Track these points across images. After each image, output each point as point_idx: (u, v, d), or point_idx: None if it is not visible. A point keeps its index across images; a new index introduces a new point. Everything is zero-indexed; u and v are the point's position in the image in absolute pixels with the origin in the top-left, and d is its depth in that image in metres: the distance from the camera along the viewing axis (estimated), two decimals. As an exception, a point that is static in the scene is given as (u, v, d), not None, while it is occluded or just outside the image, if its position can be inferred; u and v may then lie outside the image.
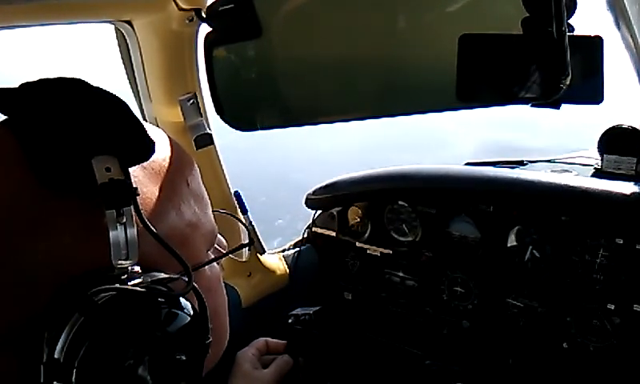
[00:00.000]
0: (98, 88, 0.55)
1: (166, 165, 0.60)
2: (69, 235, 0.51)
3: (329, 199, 1.82)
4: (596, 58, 0.97)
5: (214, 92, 1.25)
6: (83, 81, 0.55)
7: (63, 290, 0.49)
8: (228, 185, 1.57)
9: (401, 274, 1.70)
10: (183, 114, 1.39)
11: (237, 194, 1.61)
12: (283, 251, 1.85)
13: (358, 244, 1.77)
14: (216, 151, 1.49)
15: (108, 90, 0.56)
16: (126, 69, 1.41)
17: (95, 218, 0.51)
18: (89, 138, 0.52)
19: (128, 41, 1.35)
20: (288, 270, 1.78)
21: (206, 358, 0.56)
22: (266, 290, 1.70)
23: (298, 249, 1.85)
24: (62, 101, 0.53)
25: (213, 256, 0.66)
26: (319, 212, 1.86)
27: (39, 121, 0.52)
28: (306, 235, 1.89)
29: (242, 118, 1.29)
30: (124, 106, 0.55)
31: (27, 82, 0.54)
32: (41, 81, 0.55)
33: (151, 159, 0.57)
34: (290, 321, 1.30)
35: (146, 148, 0.55)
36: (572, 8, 0.83)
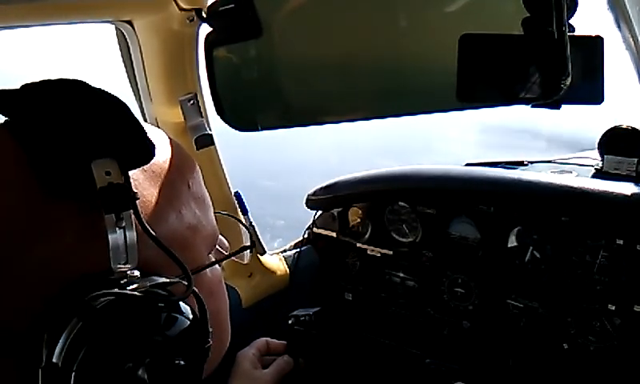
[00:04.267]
0: (98, 89, 0.55)
1: (167, 167, 0.60)
2: (68, 239, 0.51)
3: (329, 200, 1.81)
4: (597, 58, 0.97)
5: (215, 92, 1.25)
6: (84, 82, 0.54)
7: (62, 295, 0.49)
8: (229, 185, 1.57)
9: (401, 275, 1.70)
10: (184, 115, 1.39)
11: (237, 195, 1.61)
12: (284, 252, 1.85)
13: (358, 245, 1.77)
14: (216, 152, 1.49)
15: (109, 91, 0.55)
16: (126, 69, 1.41)
17: (94, 221, 0.50)
18: (89, 141, 0.51)
19: (128, 41, 1.35)
20: (288, 271, 1.78)
21: (207, 361, 0.56)
22: (267, 290, 1.70)
23: (298, 249, 1.84)
24: (63, 103, 0.53)
25: (214, 258, 0.66)
26: (319, 212, 1.85)
27: (39, 123, 0.51)
28: (306, 236, 1.89)
29: (242, 119, 1.29)
30: (125, 108, 0.54)
31: (28, 84, 0.54)
32: (41, 82, 0.54)
33: (151, 161, 0.56)
34: (290, 322, 1.30)
35: (147, 151, 0.55)
36: (572, 8, 0.83)
